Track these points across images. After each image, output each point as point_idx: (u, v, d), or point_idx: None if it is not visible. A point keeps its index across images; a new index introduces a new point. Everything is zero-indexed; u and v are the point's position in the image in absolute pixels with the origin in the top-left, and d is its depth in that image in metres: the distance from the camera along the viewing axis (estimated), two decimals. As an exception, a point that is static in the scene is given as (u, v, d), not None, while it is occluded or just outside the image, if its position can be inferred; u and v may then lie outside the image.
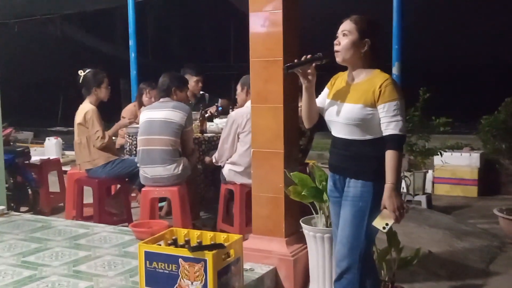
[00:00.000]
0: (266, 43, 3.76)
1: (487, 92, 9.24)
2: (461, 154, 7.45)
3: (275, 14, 3.70)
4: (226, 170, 4.91)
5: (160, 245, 3.28)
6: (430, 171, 7.50)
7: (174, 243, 3.28)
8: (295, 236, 3.90)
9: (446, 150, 6.88)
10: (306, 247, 3.77)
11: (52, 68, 12.61)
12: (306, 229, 3.69)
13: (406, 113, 6.21)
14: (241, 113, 4.82)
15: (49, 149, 8.91)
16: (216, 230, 5.13)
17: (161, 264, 3.10)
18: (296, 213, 3.91)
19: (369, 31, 2.93)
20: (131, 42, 7.39)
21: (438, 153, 6.60)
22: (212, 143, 5.50)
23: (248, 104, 4.51)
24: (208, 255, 2.99)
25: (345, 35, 2.92)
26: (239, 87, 5.05)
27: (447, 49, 9.58)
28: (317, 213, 3.68)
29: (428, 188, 7.40)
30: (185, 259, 3.04)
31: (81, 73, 5.39)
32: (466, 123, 8.74)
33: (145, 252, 3.14)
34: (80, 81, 5.37)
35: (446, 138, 7.22)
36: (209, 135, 5.61)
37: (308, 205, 3.72)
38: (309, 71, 2.96)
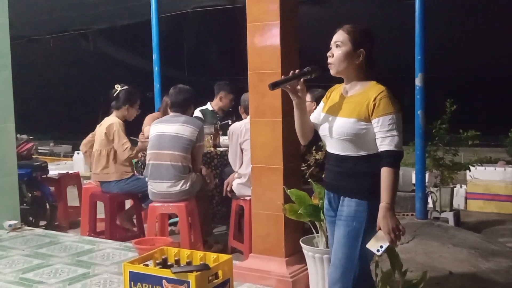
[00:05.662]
0: (263, 55, 3.63)
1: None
2: (495, 169, 7.10)
3: (272, 25, 3.57)
4: (235, 185, 4.79)
5: (147, 265, 3.17)
6: (463, 187, 7.19)
7: (163, 263, 3.17)
8: (296, 256, 3.74)
9: (475, 164, 6.53)
10: (307, 268, 3.59)
11: (90, 82, 12.80)
12: (305, 249, 3.51)
13: (432, 126, 6.13)
14: (239, 125, 4.81)
15: (77, 162, 8.98)
16: (227, 247, 5.04)
17: (146, 285, 2.99)
18: (298, 231, 3.74)
19: (363, 41, 2.77)
20: (155, 56, 7.40)
21: (468, 167, 6.29)
22: (224, 157, 5.37)
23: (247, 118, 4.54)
24: (191, 277, 2.87)
25: (338, 46, 2.77)
26: None
27: (474, 59, 9.21)
28: (317, 232, 3.51)
29: (461, 204, 7.09)
30: (169, 280, 2.93)
31: (118, 87, 5.34)
32: (493, 136, 8.33)
33: (130, 272, 3.04)
34: (114, 95, 5.32)
35: (474, 151, 6.87)
36: (221, 149, 5.49)
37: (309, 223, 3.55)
38: (298, 87, 2.82)
